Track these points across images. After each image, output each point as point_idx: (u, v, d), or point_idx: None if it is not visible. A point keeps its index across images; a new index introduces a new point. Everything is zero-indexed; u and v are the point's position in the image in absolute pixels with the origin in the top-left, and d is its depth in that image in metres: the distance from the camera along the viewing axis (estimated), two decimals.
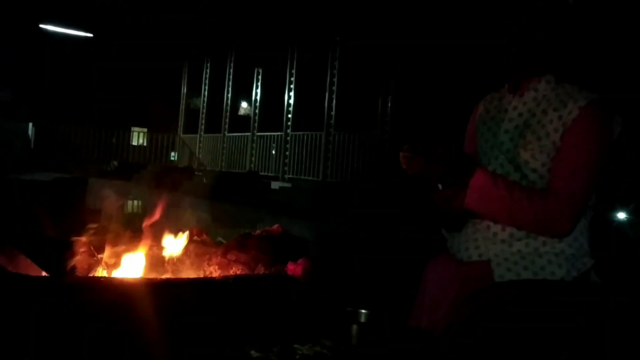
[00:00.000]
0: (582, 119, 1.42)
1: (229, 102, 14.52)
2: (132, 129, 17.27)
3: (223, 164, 14.32)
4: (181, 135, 16.71)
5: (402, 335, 1.51)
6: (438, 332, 1.46)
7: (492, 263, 1.48)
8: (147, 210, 1.96)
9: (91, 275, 1.73)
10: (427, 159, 1.41)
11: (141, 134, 17.07)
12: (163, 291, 1.51)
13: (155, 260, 1.94)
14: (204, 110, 15.53)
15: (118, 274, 1.83)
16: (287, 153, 11.98)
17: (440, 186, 1.48)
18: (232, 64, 14.41)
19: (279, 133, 12.28)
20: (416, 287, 1.65)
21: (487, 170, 1.46)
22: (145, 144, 16.72)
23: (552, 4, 1.49)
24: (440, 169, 1.41)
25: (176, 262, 1.94)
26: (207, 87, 15.48)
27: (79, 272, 1.72)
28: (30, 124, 14.98)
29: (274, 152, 12.76)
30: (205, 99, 15.50)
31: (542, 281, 1.42)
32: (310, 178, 10.99)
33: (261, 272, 1.84)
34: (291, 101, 12.00)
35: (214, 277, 1.75)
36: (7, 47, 17.97)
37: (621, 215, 4.48)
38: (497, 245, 1.50)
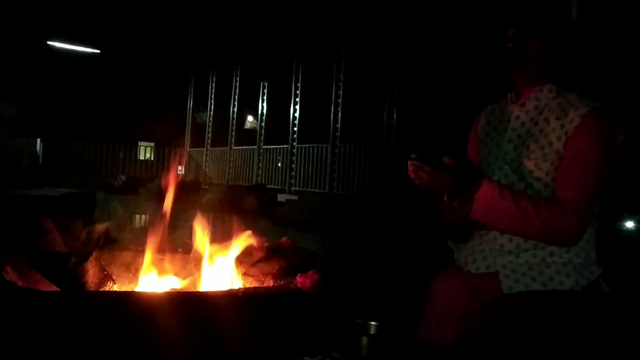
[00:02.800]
0: (584, 126, 1.42)
1: (235, 115, 14.58)
2: (139, 143, 17.38)
3: (230, 177, 14.35)
4: (188, 149, 16.78)
5: (411, 347, 1.51)
6: (447, 344, 1.46)
7: (500, 275, 1.48)
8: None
9: (102, 289, 1.74)
10: (434, 168, 1.41)
11: (148, 149, 17.16)
12: (174, 304, 1.52)
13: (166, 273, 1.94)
14: (210, 124, 15.60)
15: (129, 288, 1.84)
16: (294, 166, 11.99)
17: (445, 197, 1.48)
18: (237, 78, 14.49)
19: (285, 146, 12.31)
20: (425, 299, 1.65)
21: (493, 181, 1.46)
22: (152, 158, 16.80)
23: (554, 16, 1.50)
24: (447, 180, 1.41)
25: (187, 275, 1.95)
26: (213, 101, 15.56)
27: (90, 287, 1.73)
28: (38, 140, 15.10)
29: (280, 164, 12.79)
30: (212, 113, 15.58)
31: (551, 292, 1.42)
32: (316, 190, 10.99)
33: (270, 284, 1.84)
34: (297, 114, 12.04)
35: (224, 290, 1.75)
36: (15, 63, 18.17)
37: (629, 224, 4.46)
38: (504, 257, 1.50)
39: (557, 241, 1.44)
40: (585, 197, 1.41)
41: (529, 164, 1.48)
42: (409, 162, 1.45)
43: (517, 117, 1.56)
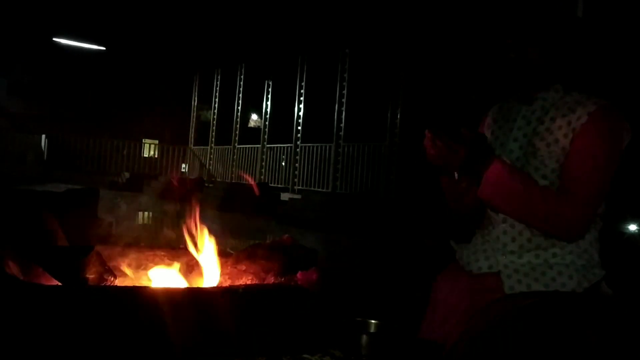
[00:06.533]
0: (592, 123, 1.42)
1: (239, 114, 14.59)
2: (143, 140, 17.42)
3: (233, 175, 14.37)
4: (192, 147, 16.81)
5: (412, 346, 1.51)
6: (449, 344, 1.46)
7: (502, 275, 1.47)
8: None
9: (103, 284, 1.74)
10: (451, 139, 1.40)
11: (152, 146, 17.19)
12: (175, 300, 1.52)
13: (169, 269, 1.95)
14: (215, 122, 15.62)
15: (129, 283, 1.85)
16: (297, 164, 12.00)
17: (456, 175, 1.47)
18: (242, 77, 14.50)
19: (288, 145, 12.31)
20: (426, 298, 1.65)
21: (504, 161, 1.45)
22: (156, 156, 16.84)
23: (553, 22, 1.48)
24: (462, 152, 1.40)
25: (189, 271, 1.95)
26: (217, 100, 15.58)
27: (91, 282, 1.74)
28: (43, 136, 15.15)
29: (283, 163, 12.79)
30: (216, 111, 15.60)
31: (553, 293, 1.41)
32: (319, 189, 10.99)
33: (271, 282, 1.84)
34: (301, 113, 12.04)
35: (225, 287, 1.75)
36: (21, 60, 18.23)
37: (632, 227, 4.44)
38: (506, 257, 1.49)
39: (560, 231, 1.42)
40: (592, 191, 1.40)
41: (535, 162, 1.48)
42: (426, 131, 1.44)
43: (524, 116, 1.55)
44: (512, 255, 1.49)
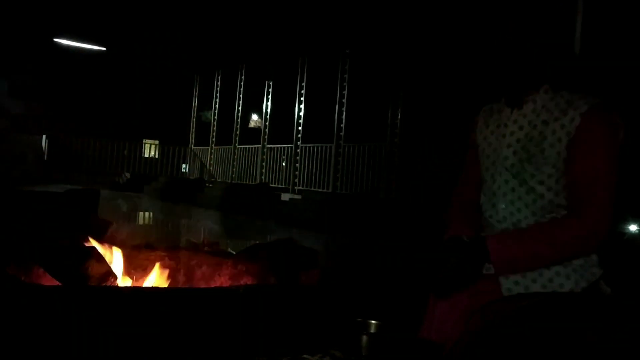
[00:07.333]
0: (587, 125, 1.39)
1: (239, 114, 14.60)
2: (144, 141, 17.42)
3: (234, 175, 14.38)
4: (192, 147, 16.82)
5: (412, 346, 1.51)
6: (448, 345, 1.46)
7: (500, 276, 1.47)
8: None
9: (104, 284, 1.74)
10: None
11: (153, 146, 17.20)
12: (175, 301, 1.52)
13: (168, 270, 1.95)
14: (215, 123, 15.64)
15: (130, 283, 1.85)
16: (297, 165, 12.00)
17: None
18: (242, 77, 14.51)
19: (289, 145, 12.32)
20: (426, 299, 1.65)
21: (494, 235, 1.45)
22: (157, 156, 16.85)
23: (541, 19, 1.47)
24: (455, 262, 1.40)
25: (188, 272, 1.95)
26: (218, 100, 15.59)
27: (91, 282, 1.74)
28: (44, 137, 15.16)
29: (284, 164, 12.80)
30: (216, 112, 15.62)
31: (551, 294, 1.41)
32: (320, 190, 10.99)
33: (271, 282, 1.84)
34: (301, 113, 12.05)
35: (225, 287, 1.76)
36: (22, 60, 18.24)
37: (633, 227, 4.44)
38: None
39: (592, 245, 1.40)
40: (607, 195, 1.38)
41: (530, 168, 1.46)
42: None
43: (515, 121, 1.53)
44: None
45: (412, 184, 8.80)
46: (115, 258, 1.99)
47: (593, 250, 1.43)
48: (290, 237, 2.19)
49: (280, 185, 12.34)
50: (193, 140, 16.88)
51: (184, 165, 16.83)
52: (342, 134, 10.81)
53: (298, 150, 12.01)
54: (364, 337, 1.43)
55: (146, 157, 16.87)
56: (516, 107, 1.53)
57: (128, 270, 1.98)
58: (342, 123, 10.83)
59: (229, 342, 1.52)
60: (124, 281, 1.92)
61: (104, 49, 16.71)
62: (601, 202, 1.37)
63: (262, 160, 13.35)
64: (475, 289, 1.50)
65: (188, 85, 17.06)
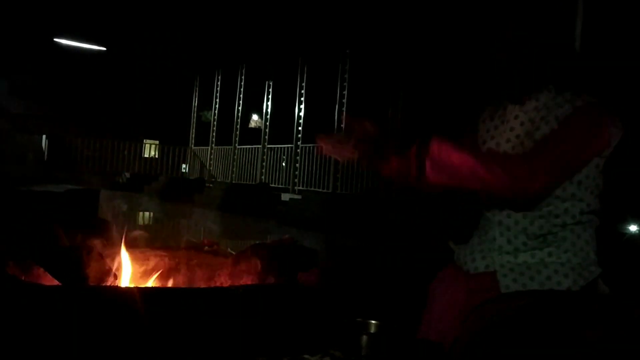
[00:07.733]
0: (575, 114, 1.43)
1: (239, 114, 14.61)
2: (144, 141, 17.43)
3: (234, 175, 14.38)
4: (192, 147, 16.83)
5: (411, 346, 1.51)
6: (447, 343, 1.46)
7: (498, 274, 1.48)
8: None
9: (103, 284, 1.74)
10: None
11: (153, 146, 17.21)
12: (175, 300, 1.53)
13: (168, 270, 1.95)
14: (215, 123, 15.64)
15: (130, 283, 1.85)
16: (298, 165, 12.01)
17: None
18: (243, 77, 14.52)
19: (289, 145, 12.33)
20: (425, 299, 1.65)
21: (443, 139, 1.45)
22: (157, 156, 16.85)
23: (541, 22, 1.48)
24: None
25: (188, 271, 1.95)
26: (218, 100, 15.60)
27: (91, 282, 1.74)
28: (44, 137, 15.16)
29: (284, 164, 12.81)
30: (216, 112, 15.62)
31: (549, 292, 1.42)
32: (320, 190, 10.99)
33: (271, 282, 1.85)
34: (301, 113, 12.05)
35: (225, 287, 1.76)
36: (21, 60, 18.25)
37: (633, 228, 4.44)
38: (502, 257, 1.50)
39: (520, 188, 1.40)
40: (549, 156, 1.39)
41: None
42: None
43: (516, 117, 1.55)
44: (508, 255, 1.49)
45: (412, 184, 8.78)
46: (115, 258, 1.99)
47: (515, 200, 1.46)
48: (289, 235, 2.19)
49: (280, 185, 12.35)
50: (193, 140, 16.89)
51: (184, 165, 16.84)
52: (343, 133, 10.81)
53: (298, 150, 12.01)
54: (364, 337, 1.43)
55: (146, 157, 16.88)
56: (519, 105, 1.55)
57: (128, 270, 1.98)
58: (342, 123, 10.82)
59: (228, 342, 1.52)
60: (124, 281, 1.92)
61: (104, 49, 16.71)
62: (541, 165, 1.39)
63: (262, 160, 13.36)
64: (473, 286, 1.50)
65: (188, 85, 17.06)
